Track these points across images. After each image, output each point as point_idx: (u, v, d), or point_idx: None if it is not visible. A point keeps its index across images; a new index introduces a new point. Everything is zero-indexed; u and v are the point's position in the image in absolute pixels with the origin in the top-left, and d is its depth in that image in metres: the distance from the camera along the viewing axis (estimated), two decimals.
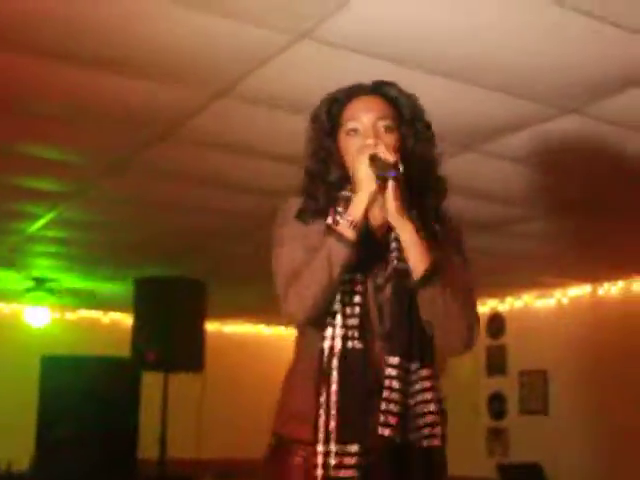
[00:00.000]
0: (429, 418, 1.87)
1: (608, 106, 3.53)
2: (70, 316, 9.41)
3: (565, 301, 7.83)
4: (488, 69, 3.22)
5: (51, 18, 2.85)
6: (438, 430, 1.88)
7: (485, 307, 8.58)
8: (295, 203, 2.01)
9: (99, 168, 4.53)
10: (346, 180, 1.97)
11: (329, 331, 1.88)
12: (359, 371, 1.85)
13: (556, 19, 2.80)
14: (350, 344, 1.86)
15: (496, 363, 8.35)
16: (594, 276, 7.30)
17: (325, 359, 1.88)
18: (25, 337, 8.95)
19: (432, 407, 1.87)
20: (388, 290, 1.92)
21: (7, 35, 2.98)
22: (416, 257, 1.86)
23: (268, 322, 9.91)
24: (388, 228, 1.94)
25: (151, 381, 6.88)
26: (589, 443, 7.09)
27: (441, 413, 1.89)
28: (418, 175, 1.95)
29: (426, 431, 1.87)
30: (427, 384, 1.88)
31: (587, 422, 7.19)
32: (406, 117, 2.00)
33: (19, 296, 8.32)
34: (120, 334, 7.37)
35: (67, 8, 2.78)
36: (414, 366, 1.87)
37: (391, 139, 1.94)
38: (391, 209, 1.85)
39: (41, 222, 5.65)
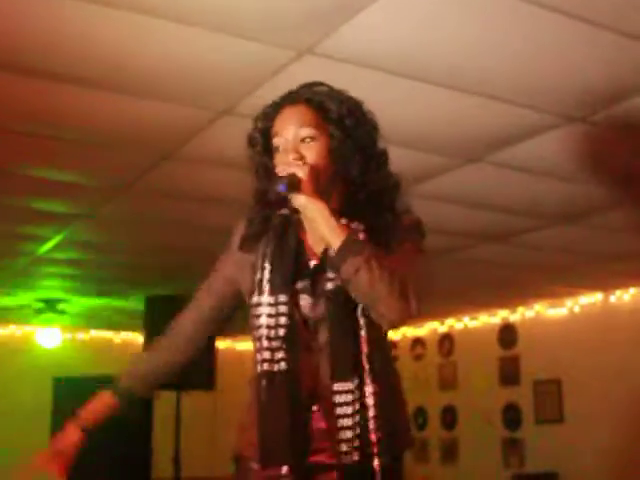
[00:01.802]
0: (372, 436, 1.82)
1: (614, 114, 3.52)
2: (82, 336, 9.42)
3: (577, 309, 7.79)
4: (492, 79, 3.22)
5: (60, 42, 2.87)
6: (383, 447, 1.82)
7: (496, 318, 8.55)
8: (239, 229, 2.05)
9: (107, 189, 4.54)
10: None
11: (257, 356, 1.89)
12: (283, 393, 1.83)
13: (557, 28, 2.80)
14: (276, 367, 1.85)
15: (509, 373, 8.31)
16: (605, 284, 7.27)
17: (255, 384, 1.89)
18: (37, 358, 8.96)
19: (372, 424, 1.82)
20: (322, 308, 1.87)
21: (20, 60, 3.01)
22: (331, 234, 1.79)
23: None
24: (324, 250, 1.89)
25: (164, 400, 6.87)
26: (605, 451, 7.04)
27: (388, 429, 1.83)
28: (358, 171, 1.91)
29: (372, 449, 1.81)
30: (370, 401, 1.82)
31: (603, 430, 7.14)
32: (332, 117, 1.92)
33: (30, 318, 8.33)
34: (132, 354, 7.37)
35: (76, 32, 2.80)
36: (354, 384, 1.82)
37: (312, 149, 1.88)
38: (299, 200, 1.81)
39: (51, 244, 5.66)
